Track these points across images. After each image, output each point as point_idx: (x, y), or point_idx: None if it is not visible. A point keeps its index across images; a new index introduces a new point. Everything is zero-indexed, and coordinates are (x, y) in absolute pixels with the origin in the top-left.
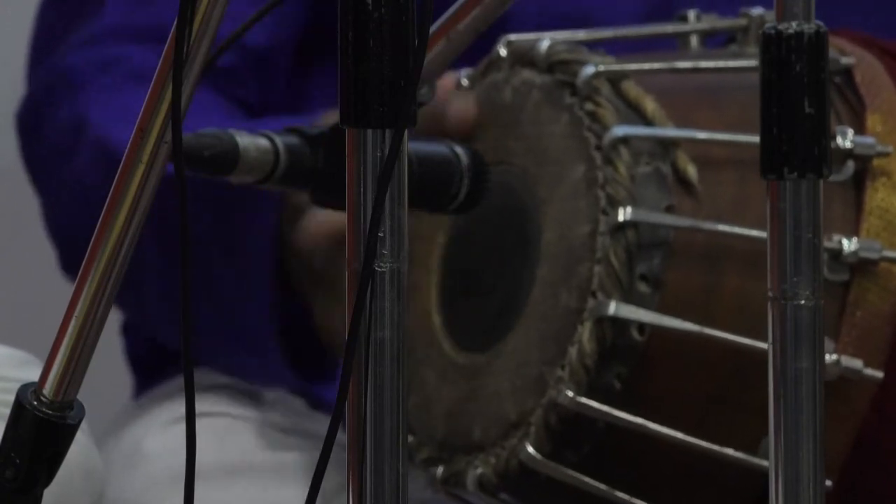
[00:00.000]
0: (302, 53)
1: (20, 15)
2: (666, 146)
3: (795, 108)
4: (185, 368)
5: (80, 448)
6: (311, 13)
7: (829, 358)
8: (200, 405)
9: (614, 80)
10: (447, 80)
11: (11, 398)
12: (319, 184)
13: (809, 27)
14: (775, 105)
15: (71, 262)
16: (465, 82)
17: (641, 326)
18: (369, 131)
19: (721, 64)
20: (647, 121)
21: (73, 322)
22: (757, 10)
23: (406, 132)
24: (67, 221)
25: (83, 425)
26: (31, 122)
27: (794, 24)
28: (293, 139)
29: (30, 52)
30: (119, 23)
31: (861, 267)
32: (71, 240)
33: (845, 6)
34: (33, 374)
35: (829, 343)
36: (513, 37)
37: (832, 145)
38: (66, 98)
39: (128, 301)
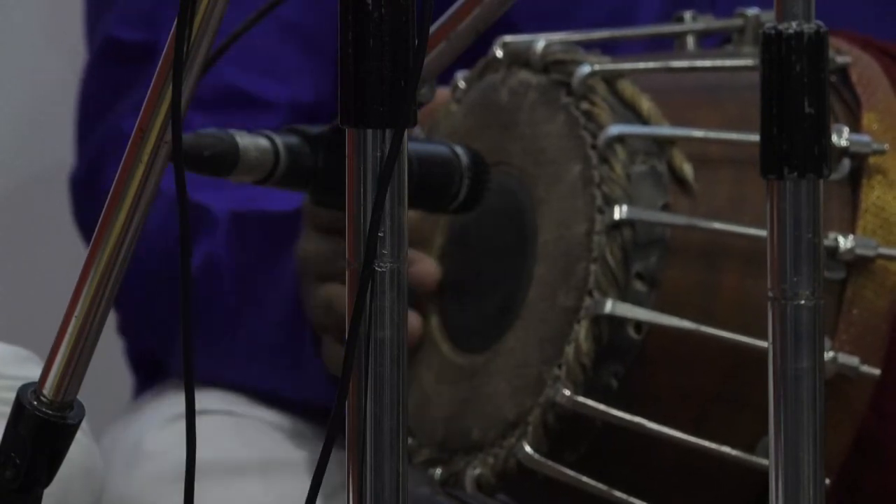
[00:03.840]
0: None
1: (34, 20)
2: (662, 145)
3: (795, 107)
4: (185, 368)
5: (81, 447)
6: None
7: (827, 356)
8: (200, 403)
9: (610, 79)
10: (441, 93)
11: (11, 396)
12: (319, 184)
13: (809, 27)
14: (775, 105)
15: (131, 321)
16: (461, 84)
17: (638, 325)
18: (369, 131)
19: (717, 63)
20: (642, 120)
21: (73, 322)
22: (753, 11)
23: (406, 132)
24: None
25: (83, 425)
26: (85, 184)
27: (794, 24)
28: (293, 139)
29: (78, 117)
30: None
31: (857, 264)
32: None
33: (845, 7)
34: (33, 372)
35: (826, 341)
36: (508, 38)
37: None
38: (121, 157)
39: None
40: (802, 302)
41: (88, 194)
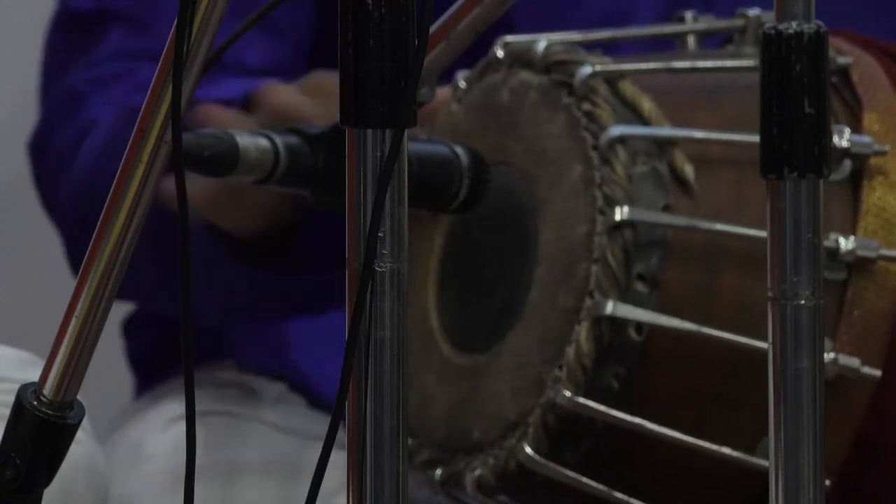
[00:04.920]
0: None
1: (25, 29)
2: (663, 146)
3: (795, 108)
4: (185, 368)
5: (84, 448)
6: (319, 33)
7: (827, 357)
8: (201, 404)
9: (611, 80)
10: (443, 92)
11: (12, 399)
12: (319, 184)
13: (809, 27)
14: (775, 105)
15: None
16: (462, 84)
17: (639, 326)
18: (369, 131)
19: (718, 64)
20: (644, 120)
21: (73, 322)
22: (754, 11)
23: (406, 132)
24: (70, 226)
25: (86, 425)
26: (40, 143)
27: (794, 24)
28: (293, 139)
29: (40, 84)
30: (122, 48)
31: (858, 265)
32: (76, 241)
33: (846, 7)
34: (33, 375)
35: (826, 342)
36: (510, 38)
37: None
38: (72, 111)
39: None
40: (802, 302)
41: (41, 155)
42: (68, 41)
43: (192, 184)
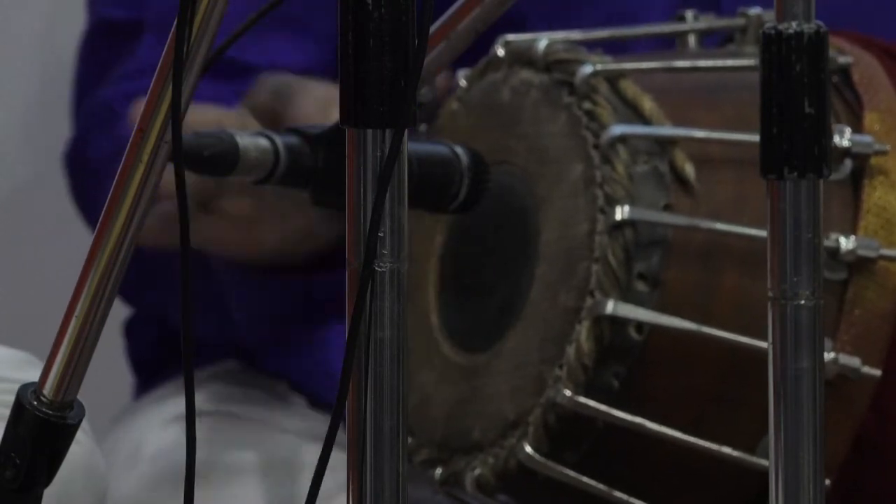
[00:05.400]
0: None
1: (34, 21)
2: (664, 145)
3: (795, 107)
4: (185, 368)
5: (83, 448)
6: None
7: (828, 356)
8: (201, 404)
9: (612, 79)
10: (441, 80)
11: (11, 399)
12: (319, 184)
13: (809, 27)
14: (775, 105)
15: None
16: (463, 83)
17: (640, 325)
18: (369, 131)
19: (719, 63)
20: (644, 120)
21: (73, 322)
22: (755, 10)
23: (406, 132)
24: None
25: (85, 426)
26: (77, 156)
27: (794, 24)
28: (293, 139)
29: (72, 98)
30: (152, 61)
31: (859, 265)
32: None
33: (846, 6)
34: (33, 375)
35: (827, 341)
36: (510, 37)
37: None
38: (108, 125)
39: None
40: (802, 302)
41: (77, 167)
42: (102, 51)
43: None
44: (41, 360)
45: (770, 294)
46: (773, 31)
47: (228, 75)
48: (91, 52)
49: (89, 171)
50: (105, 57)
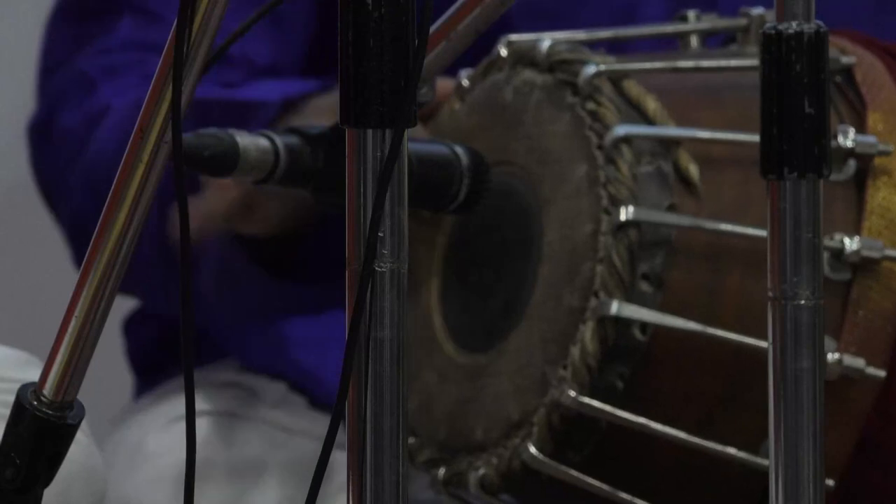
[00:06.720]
0: (308, 67)
1: (31, 19)
2: (667, 145)
3: (795, 107)
4: (185, 368)
5: (82, 448)
6: (317, 27)
7: (831, 357)
8: (201, 404)
9: (615, 79)
10: (443, 85)
11: (11, 398)
12: (319, 184)
13: (809, 27)
14: (775, 105)
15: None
16: (465, 83)
17: (644, 326)
18: (369, 131)
19: (722, 63)
20: (648, 120)
21: (73, 322)
22: (757, 10)
23: (406, 132)
24: (81, 213)
25: (84, 425)
26: (42, 128)
27: (794, 24)
28: (293, 139)
29: (39, 70)
30: (132, 37)
31: (863, 266)
32: (83, 230)
33: (848, 6)
34: (33, 375)
35: (830, 342)
36: (513, 37)
37: (833, 144)
38: (81, 97)
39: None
40: (802, 302)
41: (44, 138)
42: (75, 26)
43: (210, 199)
44: (41, 360)
45: (770, 294)
46: (773, 31)
47: None
48: (62, 26)
49: (59, 141)
50: (78, 32)
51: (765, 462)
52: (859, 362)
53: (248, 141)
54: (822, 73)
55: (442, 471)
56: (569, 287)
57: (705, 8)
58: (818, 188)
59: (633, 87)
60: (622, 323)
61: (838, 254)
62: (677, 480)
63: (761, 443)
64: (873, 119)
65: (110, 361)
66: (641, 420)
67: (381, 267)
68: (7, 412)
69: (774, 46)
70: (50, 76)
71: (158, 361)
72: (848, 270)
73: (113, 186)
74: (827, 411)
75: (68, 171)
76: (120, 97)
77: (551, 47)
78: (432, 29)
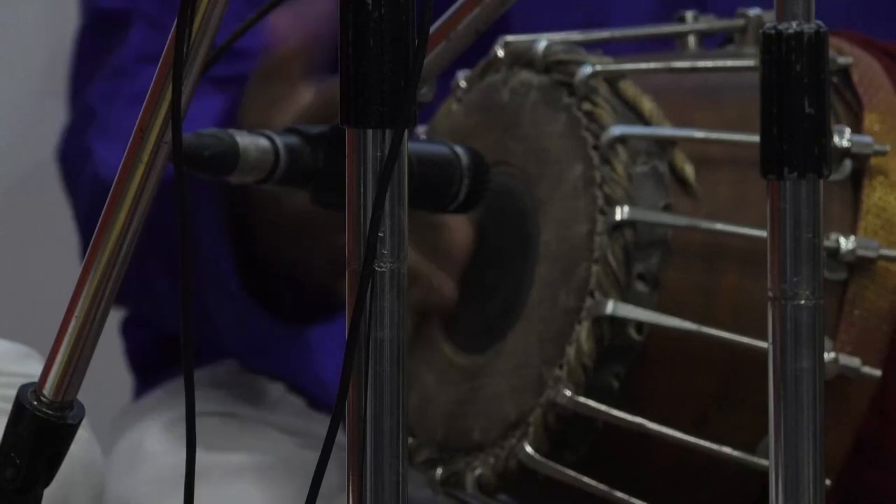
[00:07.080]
0: None
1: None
2: (663, 145)
3: (795, 108)
4: (185, 368)
5: (80, 442)
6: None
7: (828, 356)
8: (201, 405)
9: (612, 79)
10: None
11: (12, 393)
12: (319, 184)
13: (809, 27)
14: (775, 105)
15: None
16: (462, 83)
17: (640, 326)
18: (369, 131)
19: (719, 63)
20: (644, 120)
21: (73, 322)
22: (754, 11)
23: (406, 132)
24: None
25: (84, 422)
26: (66, 153)
27: (794, 24)
28: (293, 139)
29: (69, 87)
30: (141, 51)
31: (859, 265)
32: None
33: (846, 6)
34: (33, 368)
35: (827, 342)
36: (510, 38)
37: None
38: (84, 130)
39: (134, 294)
40: (802, 302)
41: (66, 165)
42: (95, 44)
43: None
44: (40, 354)
45: (770, 294)
46: (773, 32)
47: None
48: (85, 43)
49: (72, 167)
50: (98, 49)
51: (762, 461)
52: (855, 361)
53: (248, 141)
54: (822, 74)
55: (439, 471)
56: (565, 287)
57: (693, 7)
58: (818, 188)
59: (629, 88)
60: (618, 323)
61: (834, 253)
62: (674, 480)
63: (758, 442)
64: (870, 120)
65: (110, 361)
66: (637, 419)
67: (381, 267)
68: (6, 406)
69: (774, 46)
70: (75, 96)
71: (157, 361)
72: (844, 270)
73: (113, 186)
74: (824, 411)
75: (76, 206)
76: (101, 140)
77: (548, 48)
78: (432, 29)
